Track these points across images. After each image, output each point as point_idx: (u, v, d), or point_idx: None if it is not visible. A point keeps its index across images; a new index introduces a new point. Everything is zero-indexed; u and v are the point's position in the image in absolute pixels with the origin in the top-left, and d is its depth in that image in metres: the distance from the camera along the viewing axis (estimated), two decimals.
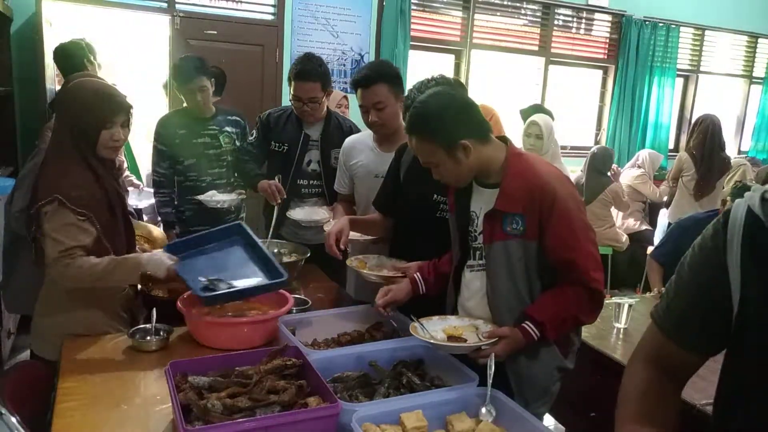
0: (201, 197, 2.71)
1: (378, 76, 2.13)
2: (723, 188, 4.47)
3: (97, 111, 1.73)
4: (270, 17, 4.63)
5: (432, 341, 1.52)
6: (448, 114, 1.52)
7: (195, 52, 4.31)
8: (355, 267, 1.96)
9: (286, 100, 4.63)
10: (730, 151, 6.57)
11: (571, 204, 1.53)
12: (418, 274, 1.82)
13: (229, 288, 1.71)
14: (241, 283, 1.74)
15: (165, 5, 4.29)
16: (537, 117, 3.64)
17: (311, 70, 2.50)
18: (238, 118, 2.94)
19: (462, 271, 1.71)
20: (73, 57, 3.17)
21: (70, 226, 1.68)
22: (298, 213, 2.56)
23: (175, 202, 2.88)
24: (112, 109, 1.75)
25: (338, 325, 1.84)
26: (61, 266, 1.66)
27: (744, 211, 0.90)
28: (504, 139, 1.63)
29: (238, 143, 2.88)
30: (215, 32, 4.40)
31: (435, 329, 1.60)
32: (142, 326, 1.82)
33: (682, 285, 1.00)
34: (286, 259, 2.41)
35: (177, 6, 4.31)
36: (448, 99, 1.56)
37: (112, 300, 1.84)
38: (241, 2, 4.53)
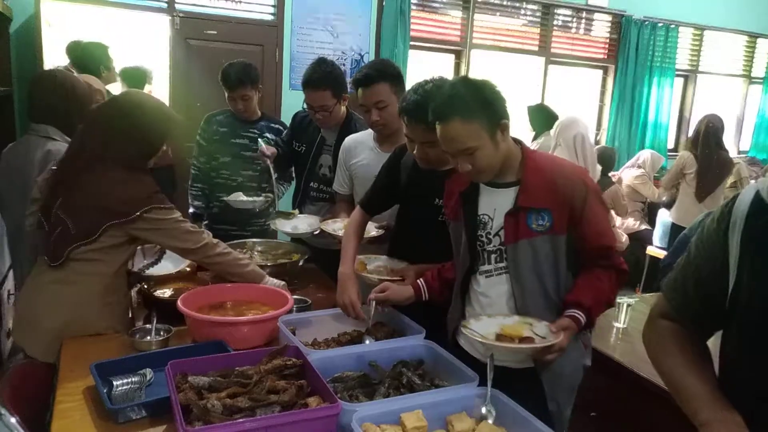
0: (227, 198, 2.76)
1: (379, 75, 2.11)
2: (726, 188, 4.45)
3: (167, 123, 1.88)
4: (270, 17, 4.63)
5: (515, 345, 1.40)
6: (487, 92, 1.49)
7: (196, 52, 4.34)
8: (354, 269, 1.94)
9: (286, 100, 4.67)
10: (730, 151, 6.57)
11: (599, 195, 1.56)
12: (421, 280, 1.78)
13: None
14: None
15: (165, 5, 4.29)
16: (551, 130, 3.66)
17: (319, 78, 2.45)
18: (280, 127, 3.00)
19: (470, 280, 1.66)
20: (91, 60, 3.17)
21: (179, 219, 1.83)
22: (283, 225, 2.54)
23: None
24: (175, 121, 1.92)
25: (338, 325, 1.84)
26: (207, 245, 1.88)
27: (752, 195, 0.94)
28: (514, 139, 1.61)
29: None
30: (215, 32, 4.41)
31: (489, 331, 1.47)
32: (141, 326, 1.82)
33: (688, 263, 1.07)
34: (284, 260, 2.41)
35: (177, 6, 4.31)
36: (480, 81, 1.52)
37: (113, 301, 1.85)
38: (241, 2, 4.54)
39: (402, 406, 1.32)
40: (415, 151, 1.83)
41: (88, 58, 3.19)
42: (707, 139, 4.38)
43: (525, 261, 1.53)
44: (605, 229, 1.56)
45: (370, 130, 2.30)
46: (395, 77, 2.15)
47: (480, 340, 1.41)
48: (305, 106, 2.56)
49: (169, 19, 4.31)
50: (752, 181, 5.42)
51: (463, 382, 1.45)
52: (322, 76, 2.45)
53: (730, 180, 4.47)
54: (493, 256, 1.60)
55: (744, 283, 0.93)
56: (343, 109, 2.59)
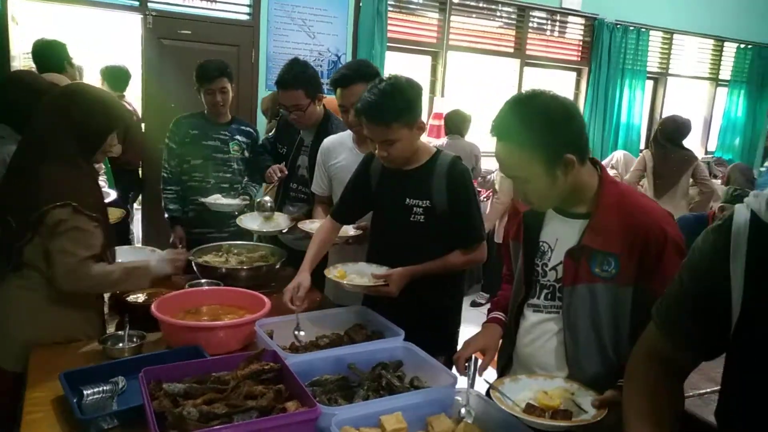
0: (205, 200, 2.74)
1: (357, 76, 2.12)
2: (688, 185, 4.52)
3: (108, 115, 1.77)
4: (245, 17, 4.59)
5: (546, 422, 1.21)
6: (554, 119, 1.26)
7: (169, 52, 4.27)
8: (334, 278, 1.86)
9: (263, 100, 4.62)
10: (697, 152, 6.73)
11: (680, 247, 1.31)
12: (501, 313, 1.57)
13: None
14: None
15: (137, 4, 4.22)
16: None
17: (291, 78, 2.46)
18: (251, 130, 3.00)
19: (523, 311, 1.48)
20: (51, 57, 3.11)
21: (84, 233, 1.66)
22: (249, 223, 2.54)
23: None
24: (120, 114, 1.82)
25: (316, 329, 1.82)
26: (76, 277, 1.65)
27: (747, 216, 0.88)
28: (594, 162, 1.39)
29: (247, 153, 2.95)
30: (189, 32, 4.34)
31: (521, 397, 1.30)
32: (114, 333, 1.78)
33: (682, 289, 0.99)
34: (260, 263, 2.39)
35: (149, 5, 4.24)
36: (551, 102, 1.30)
37: (83, 307, 1.80)
38: (216, 2, 4.48)
39: (381, 409, 1.32)
40: (376, 151, 1.84)
41: (48, 55, 3.13)
42: (657, 138, 4.50)
43: (582, 309, 1.34)
44: None
45: (349, 131, 2.30)
46: (373, 77, 2.11)
47: (505, 408, 1.23)
48: (279, 106, 2.56)
49: (141, 17, 4.24)
50: (717, 182, 5.49)
51: (442, 383, 1.45)
52: (294, 76, 2.47)
53: (689, 179, 4.54)
54: (545, 291, 1.43)
55: (754, 312, 0.86)
56: (320, 109, 2.59)
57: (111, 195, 3.00)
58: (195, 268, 2.30)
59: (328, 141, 2.38)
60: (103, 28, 4.72)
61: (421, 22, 5.38)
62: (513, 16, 5.80)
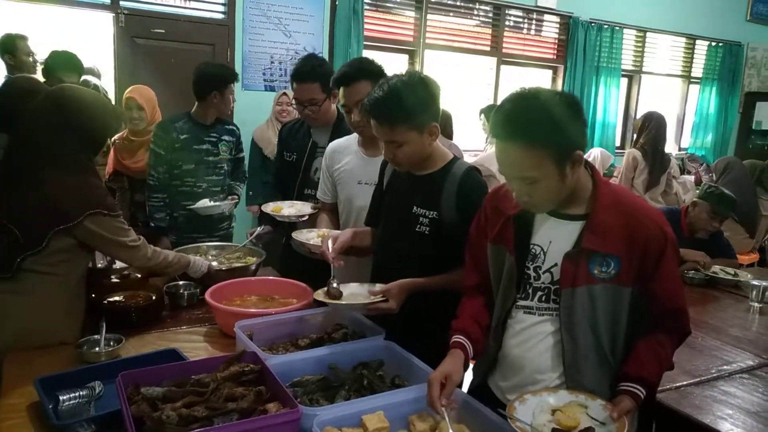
0: (194, 207, 2.70)
1: (360, 73, 2.01)
2: (668, 183, 4.61)
3: (108, 118, 1.84)
4: (220, 16, 4.54)
5: None
6: (566, 113, 1.23)
7: (143, 52, 4.20)
8: (324, 299, 1.70)
9: (239, 101, 4.54)
10: (671, 148, 6.87)
11: (677, 247, 1.36)
12: (463, 337, 1.46)
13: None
14: None
15: (108, 2, 4.15)
16: None
17: (308, 71, 2.38)
18: (234, 128, 2.98)
19: (511, 311, 1.45)
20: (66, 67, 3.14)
21: (119, 230, 1.79)
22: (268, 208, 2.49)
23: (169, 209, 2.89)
24: (118, 117, 1.89)
25: (297, 329, 1.81)
26: (146, 260, 1.90)
27: None
28: (585, 163, 1.36)
29: (233, 153, 2.93)
30: (163, 31, 4.28)
31: (540, 420, 1.25)
32: (90, 336, 1.74)
33: None
34: (238, 264, 2.37)
35: (121, 3, 4.17)
36: (559, 98, 1.26)
37: (75, 309, 1.78)
38: (190, 0, 4.42)
39: (363, 408, 1.32)
40: (383, 152, 1.74)
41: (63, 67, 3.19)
42: (657, 136, 4.57)
43: (581, 310, 1.33)
44: (678, 288, 1.37)
45: (355, 134, 2.19)
46: (377, 75, 2.01)
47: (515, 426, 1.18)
48: (293, 101, 2.49)
49: (112, 16, 4.17)
50: (690, 178, 5.60)
51: (423, 381, 1.45)
52: (311, 68, 2.38)
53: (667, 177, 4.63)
54: (539, 294, 1.40)
55: None
56: (334, 107, 2.50)
57: None
58: None
59: (333, 144, 2.27)
60: (73, 27, 4.62)
61: (397, 21, 5.38)
62: (489, 15, 5.84)
